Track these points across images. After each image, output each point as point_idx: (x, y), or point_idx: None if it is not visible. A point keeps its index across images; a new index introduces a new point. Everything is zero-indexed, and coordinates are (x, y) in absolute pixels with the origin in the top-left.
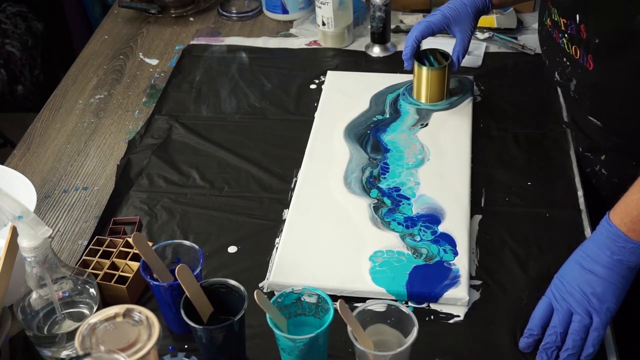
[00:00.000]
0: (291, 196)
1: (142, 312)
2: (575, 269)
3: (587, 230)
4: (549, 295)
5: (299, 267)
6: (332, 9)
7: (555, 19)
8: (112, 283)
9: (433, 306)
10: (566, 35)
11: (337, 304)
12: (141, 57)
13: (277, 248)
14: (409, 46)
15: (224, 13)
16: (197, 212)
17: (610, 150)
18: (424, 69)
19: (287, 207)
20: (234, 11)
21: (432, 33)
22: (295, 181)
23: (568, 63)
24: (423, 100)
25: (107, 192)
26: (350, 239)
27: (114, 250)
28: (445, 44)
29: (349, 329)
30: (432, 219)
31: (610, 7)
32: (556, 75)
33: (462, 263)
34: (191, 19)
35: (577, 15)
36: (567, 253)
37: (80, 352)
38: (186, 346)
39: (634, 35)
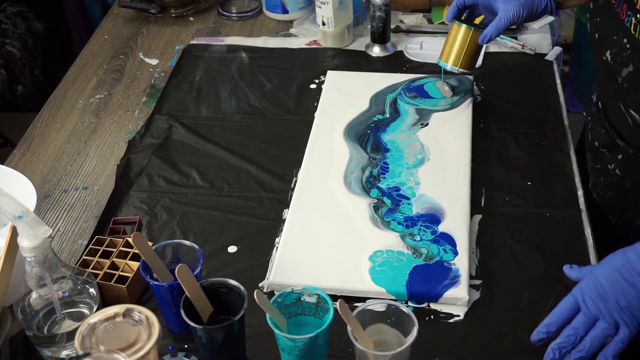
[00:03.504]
0: (291, 196)
1: (142, 312)
2: (614, 277)
3: (587, 230)
4: (576, 295)
5: (299, 267)
6: (332, 9)
7: None
8: (112, 283)
9: (433, 306)
10: (638, 15)
11: (337, 303)
12: (141, 57)
13: (277, 248)
14: (453, 7)
15: (224, 13)
16: (197, 212)
17: (632, 151)
18: (464, 27)
19: (287, 207)
20: (234, 11)
21: (475, 1)
22: (295, 181)
23: (628, 46)
24: (451, 63)
25: (107, 192)
26: (350, 239)
27: (114, 250)
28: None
29: (349, 328)
30: (432, 218)
31: None
32: (607, 54)
33: (462, 263)
34: (191, 18)
35: None
36: (567, 253)
37: (80, 352)
38: (186, 346)
39: None
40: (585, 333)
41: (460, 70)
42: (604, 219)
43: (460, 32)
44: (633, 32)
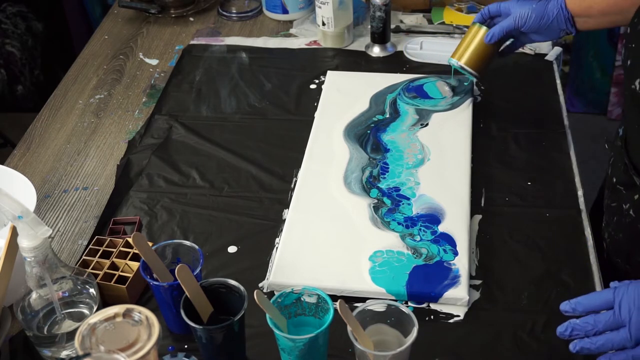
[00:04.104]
0: (291, 196)
1: (142, 312)
2: None
3: (587, 230)
4: (616, 294)
5: (299, 267)
6: (332, 9)
7: None
8: (112, 283)
9: (433, 306)
10: None
11: (337, 304)
12: (141, 57)
13: (277, 248)
14: (479, 16)
15: (224, 13)
16: (197, 212)
17: None
18: (482, 29)
19: (287, 207)
20: (234, 11)
21: (499, 13)
22: (295, 181)
23: None
24: (463, 61)
25: (107, 192)
26: (350, 239)
27: (114, 250)
28: (447, 43)
29: (349, 329)
30: (432, 219)
31: None
32: (637, 83)
33: (462, 263)
34: (191, 19)
35: None
36: (567, 253)
37: (80, 352)
38: (186, 346)
39: None
40: (604, 331)
41: (460, 64)
42: (612, 263)
43: (475, 32)
44: None
